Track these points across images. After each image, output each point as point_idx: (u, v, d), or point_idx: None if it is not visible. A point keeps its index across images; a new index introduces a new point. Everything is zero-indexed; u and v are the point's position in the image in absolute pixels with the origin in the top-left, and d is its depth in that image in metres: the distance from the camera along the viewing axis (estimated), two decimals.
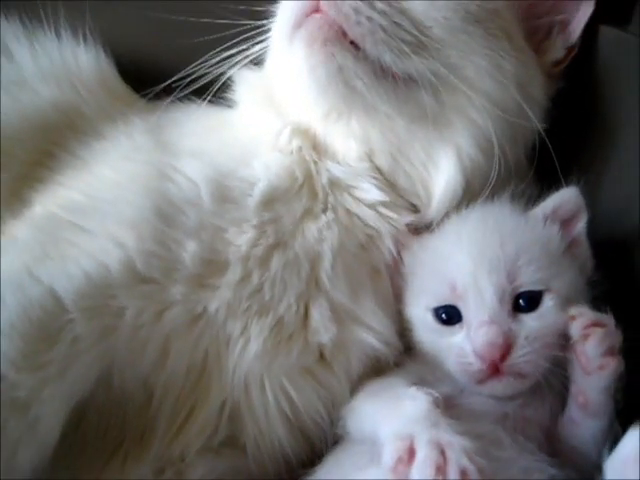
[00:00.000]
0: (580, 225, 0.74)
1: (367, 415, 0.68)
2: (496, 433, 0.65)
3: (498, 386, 0.67)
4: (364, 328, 0.74)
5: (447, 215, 0.76)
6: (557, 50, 0.83)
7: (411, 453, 0.56)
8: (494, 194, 0.76)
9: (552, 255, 0.71)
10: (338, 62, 0.71)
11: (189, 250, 0.70)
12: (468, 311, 0.69)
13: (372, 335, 0.74)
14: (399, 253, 0.77)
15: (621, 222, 0.78)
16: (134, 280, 0.68)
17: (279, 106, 0.82)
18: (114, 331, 0.67)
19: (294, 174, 0.76)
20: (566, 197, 0.74)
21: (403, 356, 0.76)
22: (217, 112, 0.84)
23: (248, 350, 0.71)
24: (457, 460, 0.55)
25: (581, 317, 0.65)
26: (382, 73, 0.72)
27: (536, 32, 0.83)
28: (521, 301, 0.68)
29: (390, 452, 0.57)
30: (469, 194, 0.77)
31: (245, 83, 0.84)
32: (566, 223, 0.74)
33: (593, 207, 0.78)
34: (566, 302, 0.68)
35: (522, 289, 0.68)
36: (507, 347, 0.66)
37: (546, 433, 0.68)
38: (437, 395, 0.65)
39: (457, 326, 0.70)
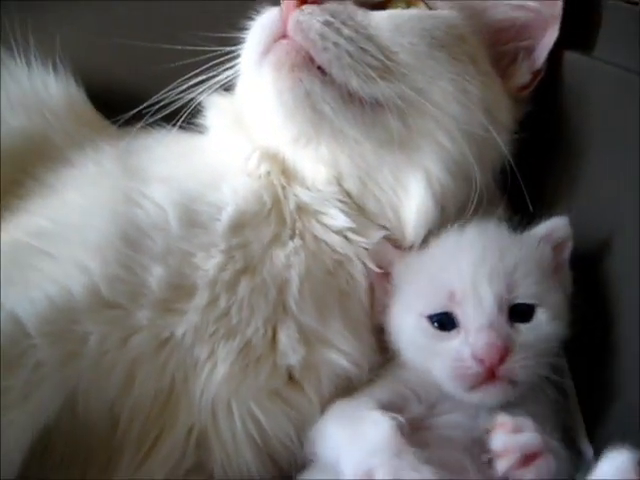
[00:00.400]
0: (567, 252, 0.76)
1: (330, 439, 0.68)
2: (462, 462, 0.65)
3: (491, 392, 0.68)
4: (333, 350, 0.74)
5: (432, 233, 0.77)
6: (523, 75, 0.84)
7: None
8: (464, 216, 0.77)
9: (545, 273, 0.73)
10: (305, 87, 0.72)
11: (155, 275, 0.70)
12: (466, 317, 0.70)
13: (341, 356, 0.74)
14: (382, 268, 0.77)
15: (589, 246, 0.78)
16: (99, 305, 0.68)
17: (249, 131, 0.82)
18: (78, 356, 0.66)
19: (262, 198, 0.76)
20: (558, 225, 0.76)
21: (379, 372, 0.76)
22: (187, 138, 0.84)
23: (215, 374, 0.70)
24: None
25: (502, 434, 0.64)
26: (349, 98, 0.73)
27: (502, 58, 0.84)
28: (515, 312, 0.70)
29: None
30: (444, 217, 0.77)
31: (215, 108, 0.85)
32: (555, 249, 0.76)
33: None
34: (555, 317, 0.71)
35: (518, 300, 0.70)
36: (505, 350, 0.67)
37: None
38: (401, 420, 0.65)
39: (453, 332, 0.71)
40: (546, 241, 0.75)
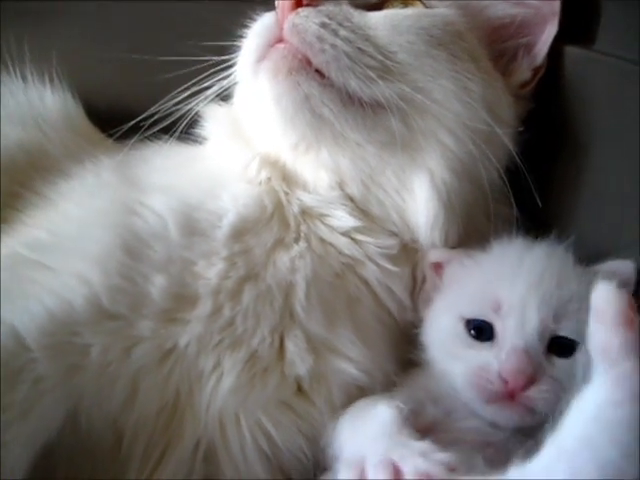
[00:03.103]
0: None
1: (338, 436, 0.66)
2: (473, 459, 0.63)
3: (505, 412, 0.67)
4: (342, 358, 0.72)
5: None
6: (523, 72, 0.83)
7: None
8: (473, 216, 0.77)
9: None
10: (304, 91, 0.71)
11: (157, 284, 0.69)
12: (505, 332, 0.68)
13: (351, 365, 0.72)
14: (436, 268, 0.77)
15: (598, 239, 0.77)
16: (100, 316, 0.67)
17: (247, 138, 0.81)
18: (79, 370, 0.65)
19: (263, 204, 0.75)
20: (624, 268, 0.73)
21: (396, 380, 0.75)
22: (186, 148, 0.84)
23: (221, 385, 0.68)
24: (413, 468, 0.52)
25: None
26: (349, 100, 0.72)
27: (502, 55, 0.83)
28: (556, 344, 0.68)
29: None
30: (456, 217, 0.76)
31: (213, 118, 0.84)
32: None
33: (569, 226, 0.78)
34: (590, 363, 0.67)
35: (562, 333, 0.68)
36: (532, 379, 0.65)
37: None
38: (403, 406, 0.64)
39: (486, 343, 0.69)
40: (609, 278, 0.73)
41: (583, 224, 0.80)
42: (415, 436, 0.59)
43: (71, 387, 0.65)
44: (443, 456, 0.54)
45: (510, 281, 0.70)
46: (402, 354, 0.77)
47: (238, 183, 0.77)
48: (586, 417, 0.49)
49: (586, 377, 0.63)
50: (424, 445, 0.55)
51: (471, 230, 0.79)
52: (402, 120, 0.73)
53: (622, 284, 0.71)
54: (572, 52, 0.83)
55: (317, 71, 0.71)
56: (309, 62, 0.71)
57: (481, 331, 0.70)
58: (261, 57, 0.74)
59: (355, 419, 0.66)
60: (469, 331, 0.70)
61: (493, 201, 0.77)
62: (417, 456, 0.54)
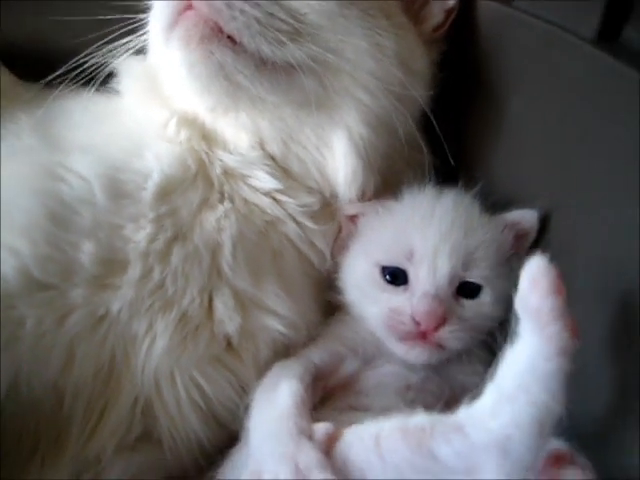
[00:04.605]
0: (526, 245, 0.79)
1: (249, 417, 0.70)
2: (397, 406, 0.68)
3: (417, 350, 0.73)
4: (269, 314, 0.76)
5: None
6: (436, 15, 0.85)
7: None
8: (392, 165, 0.81)
9: (500, 259, 0.77)
10: (217, 59, 0.71)
11: (86, 251, 0.70)
12: (417, 279, 0.73)
13: (277, 321, 0.76)
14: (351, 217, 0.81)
15: (505, 188, 0.82)
16: (32, 288, 0.68)
17: (165, 96, 0.81)
18: (16, 341, 0.66)
19: (186, 163, 0.76)
20: (527, 217, 0.79)
21: (318, 332, 0.79)
22: (105, 100, 0.83)
23: (155, 347, 0.71)
24: None
25: None
26: (262, 64, 0.72)
27: (414, 1, 0.84)
28: (463, 288, 0.74)
29: None
30: (373, 170, 0.79)
31: (129, 73, 0.83)
32: (516, 238, 0.79)
33: (479, 173, 0.83)
34: (496, 301, 0.75)
35: (468, 278, 0.75)
36: (442, 320, 0.72)
37: (445, 402, 0.71)
38: (313, 365, 0.71)
39: (400, 287, 0.75)
40: (511, 229, 0.78)
41: (493, 172, 0.84)
42: (309, 427, 0.62)
43: (9, 358, 0.66)
44: (323, 477, 0.57)
45: (422, 231, 0.75)
46: (325, 302, 0.82)
47: (160, 142, 0.77)
48: (522, 368, 0.55)
49: (491, 316, 0.73)
50: (312, 460, 0.59)
51: (390, 178, 0.83)
52: (316, 80, 0.74)
53: (525, 232, 0.78)
54: (489, 6, 0.84)
55: (229, 37, 0.71)
56: (220, 29, 0.70)
57: (395, 276, 0.75)
58: (172, 24, 0.72)
59: (264, 401, 0.69)
60: (384, 276, 0.76)
61: (409, 148, 0.81)
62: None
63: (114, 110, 0.82)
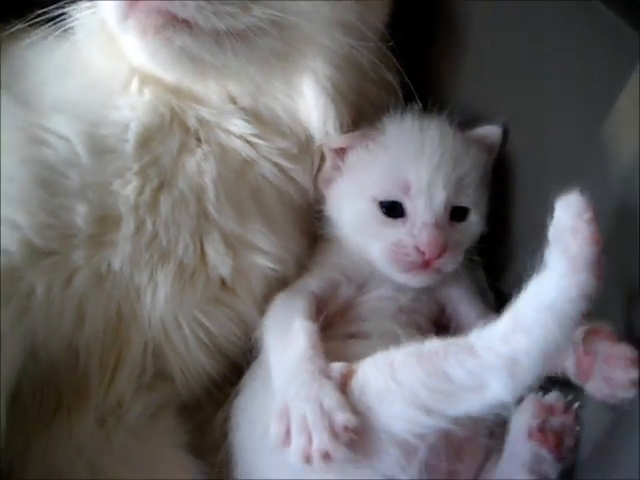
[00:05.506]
0: (491, 159, 0.84)
1: (267, 343, 0.75)
2: (393, 329, 0.74)
3: (420, 277, 0.78)
4: (257, 252, 0.80)
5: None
6: None
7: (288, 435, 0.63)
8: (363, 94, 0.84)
9: (482, 179, 0.81)
10: (178, 44, 0.71)
11: (80, 213, 0.72)
12: (416, 211, 0.77)
13: (265, 258, 0.80)
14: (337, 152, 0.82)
15: (469, 107, 0.86)
16: (35, 257, 0.70)
17: (124, 52, 0.78)
18: (28, 311, 0.69)
19: (160, 111, 0.77)
20: (492, 132, 0.83)
21: (310, 261, 0.84)
22: (67, 52, 0.80)
23: (158, 296, 0.76)
24: (319, 445, 0.61)
25: None
26: (221, 37, 0.72)
27: None
28: (454, 212, 0.79)
29: (273, 433, 0.64)
30: (345, 104, 0.81)
31: (86, 28, 0.80)
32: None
33: (446, 93, 0.87)
34: (481, 218, 0.81)
35: (458, 204, 0.79)
36: (444, 248, 0.76)
37: (434, 321, 0.80)
38: (313, 295, 0.76)
39: (398, 220, 0.78)
40: (479, 145, 0.82)
41: (457, 94, 0.88)
42: (327, 367, 0.67)
43: (24, 329, 0.69)
44: (345, 417, 0.61)
45: (414, 164, 0.78)
46: (312, 233, 0.87)
47: (129, 95, 0.77)
48: (543, 304, 0.58)
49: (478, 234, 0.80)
50: (337, 406, 0.62)
51: (364, 105, 0.85)
52: (276, 38, 0.74)
53: (491, 146, 0.83)
54: None
55: (184, 21, 0.70)
56: (174, 16, 0.70)
57: (393, 210, 0.78)
58: (124, 15, 0.71)
59: (280, 342, 0.73)
60: (381, 210, 0.79)
61: (379, 78, 0.83)
62: (324, 431, 0.61)
63: (78, 62, 0.80)
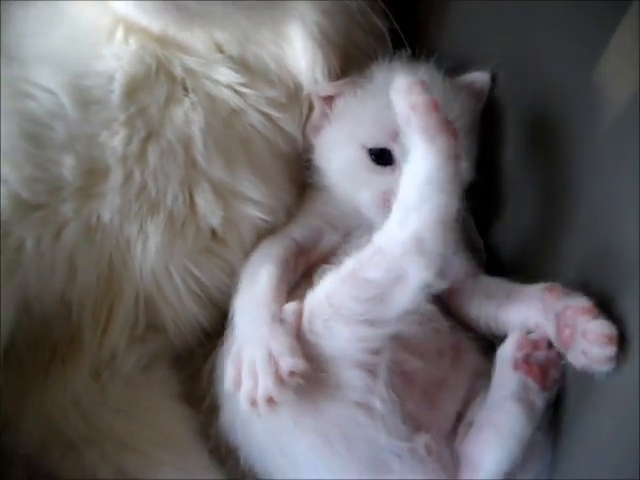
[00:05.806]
0: (480, 104, 0.83)
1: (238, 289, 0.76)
2: None
3: None
4: (247, 202, 0.80)
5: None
6: None
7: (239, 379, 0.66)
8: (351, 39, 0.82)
9: (470, 126, 0.81)
10: None
11: (67, 165, 0.71)
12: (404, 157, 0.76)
13: (255, 208, 0.80)
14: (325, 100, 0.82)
15: (458, 52, 0.85)
16: (24, 211, 0.70)
17: (109, 2, 0.76)
18: (19, 266, 0.69)
19: (145, 61, 0.76)
20: (481, 78, 0.83)
21: (297, 209, 0.84)
22: (50, 1, 0.78)
23: (148, 247, 0.76)
24: (263, 390, 0.62)
25: None
26: None
27: None
28: None
29: (227, 377, 0.67)
30: (334, 50, 0.80)
31: None
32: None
33: (438, 44, 0.85)
34: (470, 166, 0.79)
35: None
36: None
37: None
38: (294, 242, 0.78)
39: (387, 167, 0.78)
40: (468, 90, 0.81)
41: (446, 37, 0.87)
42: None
43: (15, 284, 0.69)
44: (292, 362, 0.63)
45: None
46: (301, 182, 0.86)
47: (112, 45, 0.76)
48: (420, 182, 0.63)
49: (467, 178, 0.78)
50: (283, 345, 0.65)
51: (353, 52, 0.84)
52: None
53: (480, 92, 0.83)
54: None
55: None
56: None
57: (382, 157, 0.78)
58: None
59: (247, 284, 0.75)
60: (370, 157, 0.79)
61: (368, 20, 0.82)
62: (269, 376, 0.63)
63: (61, 13, 0.78)
